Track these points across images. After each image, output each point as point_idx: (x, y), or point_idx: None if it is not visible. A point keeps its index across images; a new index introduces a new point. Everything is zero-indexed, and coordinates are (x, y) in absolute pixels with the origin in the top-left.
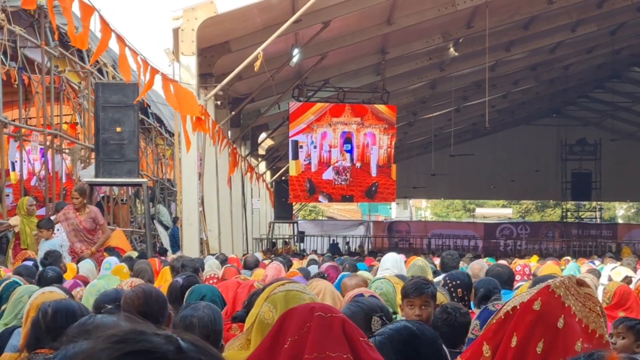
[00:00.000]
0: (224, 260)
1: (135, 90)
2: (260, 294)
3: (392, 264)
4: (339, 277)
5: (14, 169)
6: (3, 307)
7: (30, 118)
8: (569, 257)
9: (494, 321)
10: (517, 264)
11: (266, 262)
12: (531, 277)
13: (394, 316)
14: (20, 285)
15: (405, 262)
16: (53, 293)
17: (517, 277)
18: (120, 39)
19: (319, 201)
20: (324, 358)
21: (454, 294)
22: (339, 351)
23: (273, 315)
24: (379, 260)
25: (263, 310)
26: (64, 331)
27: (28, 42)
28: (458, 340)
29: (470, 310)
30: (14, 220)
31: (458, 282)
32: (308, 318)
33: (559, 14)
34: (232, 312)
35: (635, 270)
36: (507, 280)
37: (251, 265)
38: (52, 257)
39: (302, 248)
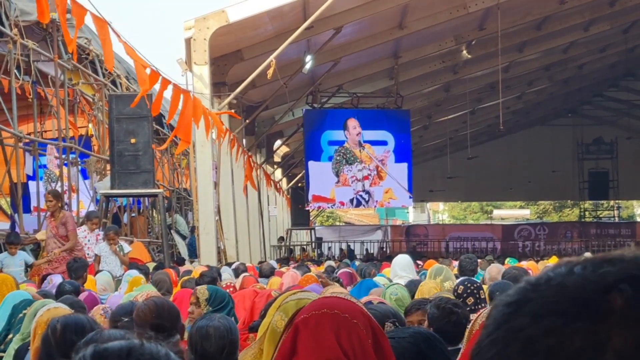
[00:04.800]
0: (243, 270)
1: (149, 101)
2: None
3: (403, 269)
4: (358, 283)
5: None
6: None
7: (45, 131)
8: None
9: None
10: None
11: (283, 269)
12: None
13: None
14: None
15: (422, 266)
16: (58, 309)
17: None
18: (131, 50)
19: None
20: None
21: (477, 296)
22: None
23: (285, 324)
24: None
25: (275, 320)
26: (74, 346)
27: (41, 55)
28: (459, 337)
29: None
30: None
31: (478, 284)
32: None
33: (571, 13)
34: (249, 321)
35: None
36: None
37: (267, 273)
38: (81, 263)
39: (319, 254)
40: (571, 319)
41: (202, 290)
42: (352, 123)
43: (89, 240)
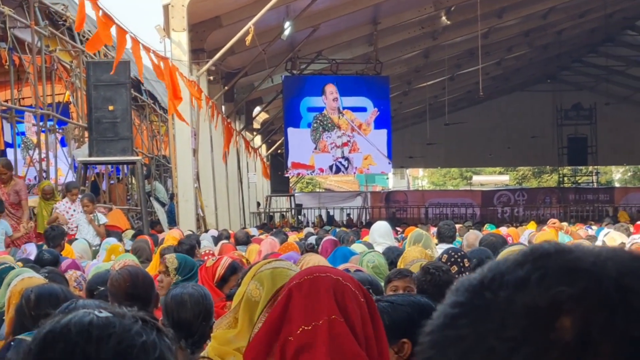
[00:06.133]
0: (227, 237)
1: (126, 68)
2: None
3: (382, 236)
4: (333, 251)
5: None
6: None
7: (23, 98)
8: (565, 223)
9: None
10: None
11: (262, 237)
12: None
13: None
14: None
15: (403, 232)
16: (32, 279)
17: None
18: (107, 16)
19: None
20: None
21: (461, 265)
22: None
23: (260, 292)
24: None
25: (250, 289)
26: (49, 316)
27: (17, 22)
28: (442, 299)
29: None
30: (32, 202)
31: (462, 252)
32: (317, 317)
33: None
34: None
35: (629, 234)
36: (500, 249)
37: (241, 240)
38: (58, 231)
39: (299, 221)
40: (514, 348)
41: (172, 260)
42: (330, 89)
43: (74, 210)
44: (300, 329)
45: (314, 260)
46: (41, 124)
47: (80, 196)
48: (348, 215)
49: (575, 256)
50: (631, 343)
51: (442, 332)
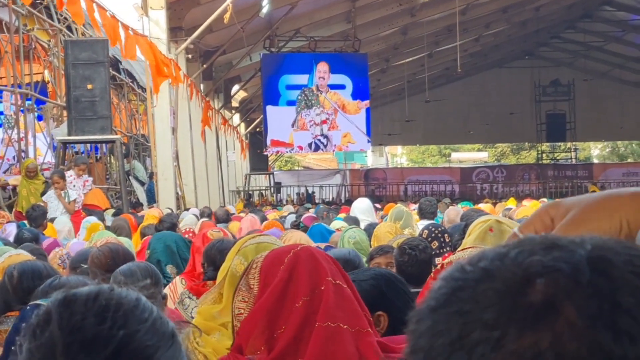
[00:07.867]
0: (209, 215)
1: (105, 47)
2: (231, 248)
3: (363, 213)
4: (310, 227)
5: None
6: None
7: (0, 78)
8: (545, 199)
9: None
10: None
11: (241, 215)
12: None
13: (366, 265)
14: None
15: (382, 209)
16: (20, 255)
17: None
18: None
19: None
20: (335, 327)
21: (441, 240)
22: (348, 324)
23: (244, 267)
24: None
25: (235, 264)
26: (31, 293)
27: None
28: (424, 277)
29: None
30: (14, 180)
31: (442, 228)
32: (320, 282)
33: None
34: (192, 265)
35: None
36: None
37: (221, 219)
38: (40, 211)
39: (278, 199)
40: (485, 308)
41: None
42: (323, 67)
43: (74, 186)
44: (302, 300)
45: (296, 236)
46: (19, 103)
47: (87, 175)
48: (312, 193)
49: (556, 237)
50: (595, 306)
51: (424, 304)
